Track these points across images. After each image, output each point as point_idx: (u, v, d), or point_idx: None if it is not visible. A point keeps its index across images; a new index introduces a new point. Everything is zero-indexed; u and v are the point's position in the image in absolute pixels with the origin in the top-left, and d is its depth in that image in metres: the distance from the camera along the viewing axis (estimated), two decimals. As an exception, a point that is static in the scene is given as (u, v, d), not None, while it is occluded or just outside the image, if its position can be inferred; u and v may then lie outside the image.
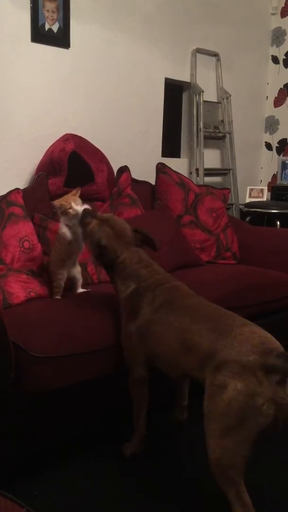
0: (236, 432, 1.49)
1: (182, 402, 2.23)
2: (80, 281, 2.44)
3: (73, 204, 2.21)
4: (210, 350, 1.60)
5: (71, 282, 2.40)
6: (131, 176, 3.22)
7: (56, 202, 2.25)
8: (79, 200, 2.25)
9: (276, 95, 4.74)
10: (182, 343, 1.72)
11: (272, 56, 4.74)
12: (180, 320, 1.77)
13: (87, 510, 1.75)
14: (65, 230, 2.25)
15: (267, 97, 4.81)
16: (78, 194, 2.30)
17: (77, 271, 2.41)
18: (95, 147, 3.13)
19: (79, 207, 2.21)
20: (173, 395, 2.24)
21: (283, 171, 4.56)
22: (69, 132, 3.09)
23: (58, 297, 2.32)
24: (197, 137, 4.14)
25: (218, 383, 1.53)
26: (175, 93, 4.15)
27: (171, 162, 3.60)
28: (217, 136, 4.36)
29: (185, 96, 4.22)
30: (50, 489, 1.84)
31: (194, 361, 1.67)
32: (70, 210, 2.20)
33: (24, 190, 2.64)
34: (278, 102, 4.74)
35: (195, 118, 4.13)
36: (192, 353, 1.67)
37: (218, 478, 1.55)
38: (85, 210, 2.13)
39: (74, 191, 2.31)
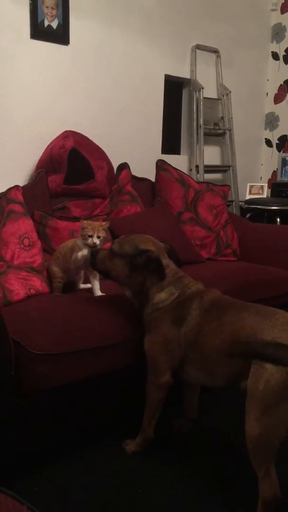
0: (276, 411, 1.54)
1: (191, 416, 2.22)
2: (81, 280, 2.44)
3: (95, 236, 2.19)
4: (253, 330, 1.66)
5: (71, 284, 2.40)
6: (131, 173, 3.22)
7: (85, 223, 2.22)
8: (104, 233, 2.24)
9: (276, 92, 4.73)
10: (232, 333, 1.74)
11: (272, 52, 4.73)
12: (228, 315, 1.81)
13: (87, 507, 1.75)
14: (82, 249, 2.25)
15: (267, 93, 4.80)
16: (107, 226, 2.28)
17: (79, 275, 2.42)
18: (95, 144, 3.12)
19: (98, 241, 2.20)
20: (176, 395, 2.24)
21: (283, 168, 4.56)
22: (68, 129, 3.08)
23: (58, 293, 2.33)
24: (197, 134, 4.13)
25: (260, 362, 1.57)
26: (175, 89, 4.14)
27: (171, 159, 3.60)
28: (217, 132, 4.36)
29: (185, 93, 4.21)
30: (50, 486, 1.84)
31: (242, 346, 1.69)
32: (89, 240, 2.19)
33: (24, 187, 2.63)
34: (278, 99, 4.73)
35: (195, 115, 4.12)
36: (240, 338, 1.70)
37: (252, 455, 1.61)
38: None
39: (105, 222, 2.29)
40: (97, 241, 2.19)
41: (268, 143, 4.86)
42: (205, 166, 4.14)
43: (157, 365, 1.96)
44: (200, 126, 4.11)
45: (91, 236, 2.18)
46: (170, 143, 4.19)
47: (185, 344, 1.89)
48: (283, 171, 4.56)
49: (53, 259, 2.38)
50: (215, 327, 1.81)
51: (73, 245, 2.29)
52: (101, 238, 2.21)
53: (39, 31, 3.02)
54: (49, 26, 3.06)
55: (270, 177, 4.85)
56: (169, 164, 3.43)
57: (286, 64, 4.64)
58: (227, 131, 4.38)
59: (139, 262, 1.93)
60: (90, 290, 2.35)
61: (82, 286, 2.44)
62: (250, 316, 1.73)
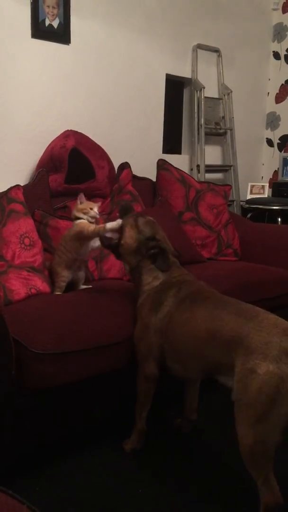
0: (269, 417, 1.49)
1: (190, 417, 2.22)
2: (82, 280, 2.44)
3: (95, 208, 2.33)
4: (236, 333, 1.61)
5: (73, 283, 2.40)
6: (132, 172, 3.21)
7: (84, 198, 2.37)
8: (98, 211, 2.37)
9: (278, 91, 4.73)
10: (206, 329, 1.72)
11: (273, 52, 4.72)
12: (203, 309, 1.79)
13: (88, 507, 1.75)
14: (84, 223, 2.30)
15: (268, 93, 4.80)
16: (99, 206, 2.40)
17: (81, 274, 2.42)
18: (95, 143, 3.12)
19: (97, 215, 2.34)
20: (173, 394, 2.24)
21: (285, 168, 4.55)
22: (69, 129, 3.08)
23: (60, 292, 2.33)
24: (198, 133, 4.13)
25: (250, 366, 1.52)
26: (176, 89, 4.14)
27: (172, 159, 3.59)
28: (218, 132, 4.35)
29: (186, 92, 4.21)
30: (50, 486, 1.84)
31: (219, 345, 1.66)
32: (92, 211, 2.31)
33: (25, 186, 2.63)
34: (279, 98, 4.73)
35: (196, 114, 4.12)
36: (216, 338, 1.67)
37: (249, 465, 1.56)
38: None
39: (99, 203, 2.43)
40: (97, 215, 2.34)
41: (269, 142, 4.86)
42: (206, 166, 4.14)
43: (139, 353, 1.97)
44: (201, 126, 4.11)
45: (92, 209, 2.31)
46: (171, 143, 4.19)
47: (159, 331, 1.89)
48: (284, 170, 4.55)
49: (55, 259, 2.37)
50: (186, 319, 1.81)
51: (76, 228, 2.30)
52: (98, 213, 2.34)
53: (40, 31, 3.01)
54: (50, 25, 3.06)
55: (271, 176, 4.85)
56: (170, 164, 3.43)
57: (287, 63, 4.64)
58: (228, 131, 4.38)
59: (150, 245, 2.03)
60: (90, 290, 2.35)
61: (83, 286, 2.44)
62: (229, 316, 1.68)
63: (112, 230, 2.11)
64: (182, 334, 1.82)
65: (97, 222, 2.33)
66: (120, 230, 2.09)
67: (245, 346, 1.57)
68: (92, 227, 2.24)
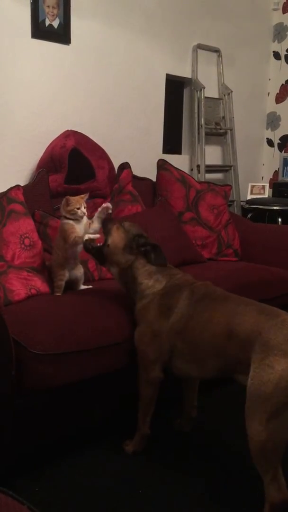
0: (283, 414, 1.50)
1: (191, 414, 2.21)
2: (82, 280, 2.44)
3: (82, 206, 2.26)
4: (257, 329, 1.62)
5: (73, 282, 2.40)
6: (132, 172, 3.21)
7: (70, 198, 2.29)
8: (85, 204, 2.31)
9: (278, 91, 4.73)
10: (227, 326, 1.72)
11: (273, 52, 4.72)
12: (225, 306, 1.80)
13: (88, 507, 1.75)
14: (71, 222, 2.27)
15: (268, 93, 4.80)
16: (86, 197, 2.35)
17: (79, 271, 2.41)
18: (95, 143, 3.12)
19: (85, 210, 2.28)
20: (174, 394, 2.23)
21: (285, 168, 4.55)
22: (69, 129, 3.08)
23: (59, 293, 2.32)
24: (198, 133, 4.13)
25: (268, 362, 1.53)
26: (176, 89, 4.14)
27: (172, 159, 3.59)
28: (219, 132, 4.35)
29: (186, 92, 4.21)
30: (51, 486, 1.84)
31: (238, 342, 1.67)
32: (79, 210, 2.25)
33: (25, 186, 2.63)
34: (279, 98, 4.73)
35: (196, 115, 4.12)
36: (237, 334, 1.68)
37: (258, 461, 1.57)
38: (108, 217, 2.23)
39: (83, 195, 2.34)
40: (85, 211, 2.27)
41: (270, 142, 4.86)
42: (206, 166, 4.14)
43: (146, 359, 1.95)
44: (201, 126, 4.11)
45: (79, 208, 2.24)
46: (171, 143, 4.19)
47: (173, 335, 1.88)
48: (285, 171, 4.55)
49: (52, 259, 2.37)
50: (207, 318, 1.80)
51: (62, 229, 2.28)
52: (86, 208, 2.29)
53: (40, 31, 3.01)
54: (50, 25, 3.06)
55: (271, 177, 4.85)
56: (170, 164, 3.43)
57: (287, 63, 4.64)
58: (229, 131, 4.38)
59: (140, 242, 2.02)
60: (90, 290, 2.35)
61: (83, 286, 2.43)
62: (251, 313, 1.70)
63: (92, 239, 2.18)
64: (202, 333, 1.81)
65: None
66: (105, 234, 2.11)
67: (264, 343, 1.58)
68: (73, 235, 2.23)
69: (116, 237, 2.06)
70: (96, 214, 2.24)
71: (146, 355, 1.94)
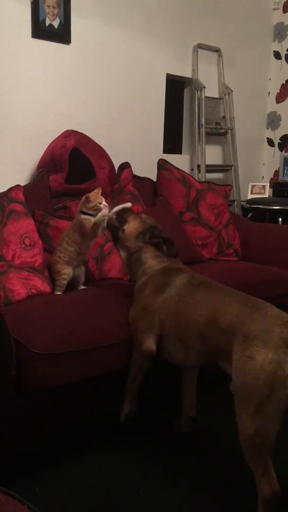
0: (268, 405, 1.50)
1: (190, 413, 2.22)
2: (82, 279, 2.44)
3: (103, 201, 2.31)
4: (239, 320, 1.64)
5: (73, 281, 2.40)
6: (132, 172, 3.21)
7: (91, 195, 2.31)
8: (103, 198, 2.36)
9: (278, 91, 4.73)
10: (212, 313, 1.75)
11: (274, 51, 4.72)
12: (212, 295, 1.84)
13: (88, 507, 1.75)
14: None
15: (269, 92, 4.79)
16: (100, 191, 2.37)
17: (81, 270, 2.42)
18: (96, 143, 3.12)
19: (106, 203, 2.33)
20: (174, 394, 2.23)
21: (285, 167, 4.55)
22: (70, 128, 3.08)
23: (59, 292, 2.32)
24: (199, 133, 4.12)
25: (249, 353, 1.54)
26: (176, 89, 4.13)
27: (172, 159, 3.59)
28: (219, 132, 4.35)
29: (186, 92, 4.21)
30: (51, 486, 1.84)
31: (220, 330, 1.69)
32: (101, 205, 2.29)
33: (25, 186, 2.62)
34: (280, 98, 4.72)
35: (196, 114, 4.12)
36: (218, 324, 1.71)
37: (248, 455, 1.57)
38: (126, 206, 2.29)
39: (97, 190, 2.36)
40: (107, 204, 2.32)
41: (270, 142, 4.85)
42: (207, 166, 4.14)
43: (138, 330, 1.99)
44: (201, 126, 4.10)
45: (100, 203, 2.29)
46: (172, 143, 4.18)
47: (164, 310, 1.93)
48: (285, 170, 4.55)
49: (56, 257, 2.36)
50: (196, 303, 1.85)
51: (79, 224, 2.30)
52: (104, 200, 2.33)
53: (40, 30, 3.01)
54: (51, 25, 3.06)
55: (272, 176, 4.84)
56: (171, 164, 3.43)
57: (288, 63, 4.64)
58: (229, 131, 4.37)
59: (154, 233, 2.16)
60: (90, 290, 2.35)
61: (82, 287, 2.43)
62: (235, 304, 1.72)
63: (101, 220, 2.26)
64: (189, 316, 1.85)
65: None
66: (120, 222, 2.20)
67: (245, 333, 1.59)
68: (89, 225, 2.27)
69: (132, 225, 2.18)
70: (114, 209, 2.27)
71: (139, 327, 1.99)
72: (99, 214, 2.26)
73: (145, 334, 1.97)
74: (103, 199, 2.31)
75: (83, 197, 2.32)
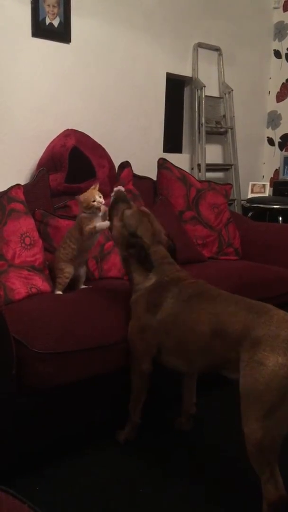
0: (279, 410, 1.49)
1: (189, 411, 2.22)
2: (83, 279, 2.44)
3: (97, 197, 2.26)
4: (246, 328, 1.61)
5: (74, 280, 2.40)
6: (132, 171, 3.21)
7: (81, 197, 2.30)
8: (100, 193, 2.30)
9: (279, 90, 4.72)
10: (215, 326, 1.71)
11: (274, 50, 4.71)
12: (213, 306, 1.78)
13: (88, 506, 1.75)
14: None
15: (269, 92, 4.79)
16: (97, 187, 2.33)
17: (83, 269, 2.43)
18: (96, 142, 3.12)
19: (102, 199, 2.27)
20: (174, 393, 2.23)
21: (286, 167, 4.54)
22: (70, 128, 3.08)
23: (60, 292, 2.32)
24: (199, 132, 4.12)
25: (258, 359, 1.52)
26: (176, 88, 4.13)
27: (172, 158, 3.59)
28: (219, 131, 4.35)
29: (186, 91, 4.20)
30: (51, 485, 1.84)
31: (228, 341, 1.66)
32: (95, 203, 2.25)
33: (25, 185, 2.62)
34: (280, 97, 4.72)
35: (196, 113, 4.11)
36: (226, 334, 1.67)
37: (255, 459, 1.56)
38: (119, 192, 2.15)
39: (93, 186, 2.33)
40: (101, 199, 2.26)
41: (270, 141, 4.85)
42: (207, 165, 4.13)
43: (136, 351, 1.98)
44: (201, 125, 4.10)
45: (94, 201, 2.24)
46: (172, 142, 4.18)
47: (160, 332, 1.89)
48: (285, 169, 4.55)
49: (59, 254, 2.36)
50: (195, 318, 1.80)
51: (79, 222, 2.30)
52: (101, 197, 2.27)
53: (40, 29, 3.01)
54: (51, 24, 3.05)
55: (272, 175, 4.84)
56: (171, 163, 3.43)
57: (288, 62, 4.64)
58: (229, 130, 4.37)
59: (131, 241, 2.01)
60: (90, 289, 2.35)
61: (83, 286, 2.43)
62: (241, 312, 1.69)
63: (102, 230, 2.22)
64: (189, 332, 1.81)
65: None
66: (109, 219, 2.12)
67: (252, 340, 1.57)
68: (88, 227, 2.25)
69: (115, 230, 2.09)
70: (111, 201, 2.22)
71: (135, 347, 1.97)
72: (101, 224, 2.21)
73: (142, 355, 1.96)
74: (97, 196, 2.25)
75: (76, 199, 2.33)
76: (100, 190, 2.29)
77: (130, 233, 2.02)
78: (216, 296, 1.84)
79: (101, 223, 2.21)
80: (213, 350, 1.73)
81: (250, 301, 1.76)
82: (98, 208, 2.26)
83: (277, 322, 1.58)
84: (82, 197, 2.28)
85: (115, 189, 2.19)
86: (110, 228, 2.14)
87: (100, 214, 2.27)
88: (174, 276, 1.98)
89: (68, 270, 2.33)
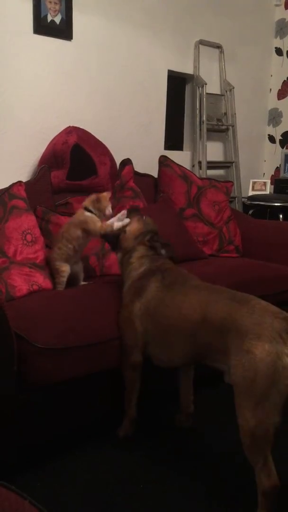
0: (269, 396, 1.51)
1: (188, 409, 2.23)
2: (82, 274, 2.45)
3: (109, 207, 2.34)
4: (230, 317, 1.65)
5: (73, 278, 2.41)
6: (133, 169, 3.21)
7: (96, 196, 2.36)
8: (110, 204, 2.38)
9: (280, 88, 4.72)
10: (200, 312, 1.75)
11: (275, 48, 4.70)
12: (195, 293, 1.84)
13: (89, 502, 1.76)
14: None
15: (270, 89, 4.78)
16: (109, 196, 2.41)
17: (79, 267, 2.44)
18: (97, 139, 3.12)
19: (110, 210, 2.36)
20: (174, 391, 2.24)
21: (286, 164, 4.54)
22: (71, 125, 3.08)
23: (61, 288, 2.33)
24: (200, 129, 4.12)
25: (246, 348, 1.55)
26: (178, 85, 4.13)
27: (173, 155, 3.59)
28: (220, 128, 4.35)
29: (188, 89, 4.20)
30: (52, 481, 1.85)
31: (211, 328, 1.70)
32: (107, 211, 2.33)
33: (27, 183, 2.63)
34: (281, 95, 4.71)
35: (198, 111, 4.11)
36: (209, 321, 1.71)
37: (249, 449, 1.58)
38: (134, 207, 2.37)
39: (106, 193, 2.40)
40: (111, 211, 2.35)
41: (271, 139, 4.85)
42: (208, 162, 4.13)
43: (124, 342, 2.00)
44: (203, 122, 4.10)
45: (106, 208, 2.34)
46: (173, 139, 4.18)
47: (144, 318, 1.93)
48: (286, 167, 4.54)
49: (54, 254, 2.37)
50: (178, 302, 1.84)
51: (84, 221, 2.32)
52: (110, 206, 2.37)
53: (42, 26, 3.01)
54: (52, 21, 3.05)
55: (273, 173, 4.84)
56: (172, 160, 3.43)
57: (289, 59, 4.63)
58: (230, 127, 4.37)
59: (155, 238, 2.19)
60: (91, 286, 2.35)
61: (83, 283, 2.44)
62: (224, 300, 1.73)
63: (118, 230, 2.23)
64: (172, 318, 1.85)
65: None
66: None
67: (237, 329, 1.60)
68: (99, 224, 2.27)
69: (135, 226, 2.19)
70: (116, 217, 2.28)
71: (124, 337, 2.00)
72: (118, 224, 2.22)
73: (131, 347, 1.99)
74: (110, 205, 2.35)
75: (94, 196, 2.35)
76: (100, 189, 2.33)
77: (152, 230, 2.21)
78: (198, 285, 1.91)
79: (119, 223, 2.23)
80: (197, 338, 1.77)
81: (232, 291, 1.80)
82: (108, 217, 2.31)
83: (260, 311, 1.62)
84: (103, 197, 2.34)
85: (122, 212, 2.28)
86: (124, 227, 2.22)
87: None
88: (161, 266, 2.07)
89: (64, 269, 2.34)
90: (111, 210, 2.34)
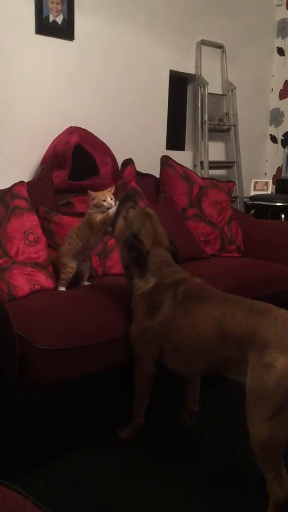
0: (285, 411, 1.49)
1: (192, 408, 2.23)
2: (87, 275, 2.45)
3: (108, 198, 2.28)
4: (250, 330, 1.61)
5: (78, 276, 2.41)
6: (135, 169, 3.21)
7: (93, 193, 2.33)
8: (113, 196, 2.33)
9: (281, 88, 4.72)
10: (216, 327, 1.71)
11: (277, 48, 4.71)
12: (211, 307, 1.78)
13: (92, 502, 1.76)
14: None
15: (272, 89, 4.79)
16: (113, 190, 2.37)
17: (86, 266, 2.43)
18: (99, 139, 3.12)
19: (112, 201, 2.29)
20: (180, 392, 2.24)
21: (288, 164, 4.54)
22: (73, 125, 3.08)
23: (63, 288, 2.33)
24: (202, 129, 4.12)
25: (266, 361, 1.52)
26: (179, 85, 4.13)
27: (175, 155, 3.59)
28: (222, 128, 4.35)
29: (189, 89, 4.20)
30: (55, 481, 1.85)
31: (231, 342, 1.66)
32: (104, 203, 2.27)
33: (29, 183, 2.63)
34: (283, 95, 4.71)
35: (199, 111, 4.11)
36: (229, 335, 1.67)
37: (261, 460, 1.56)
38: (130, 189, 2.14)
39: (109, 188, 2.37)
40: (112, 202, 2.28)
41: (273, 139, 4.85)
42: (210, 162, 4.13)
43: (138, 354, 1.98)
44: (204, 122, 4.10)
45: (104, 201, 2.27)
46: (175, 139, 4.18)
47: (160, 335, 1.89)
48: (288, 167, 4.55)
49: (63, 249, 2.37)
50: (192, 319, 1.80)
51: (88, 218, 2.31)
52: (113, 199, 2.29)
53: (44, 27, 3.01)
54: (54, 21, 3.05)
55: (274, 173, 4.84)
56: (174, 160, 3.43)
57: (291, 59, 4.63)
58: (232, 127, 4.37)
59: (131, 243, 1.99)
60: (93, 286, 2.35)
61: (86, 283, 2.44)
62: (241, 312, 1.68)
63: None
64: (188, 334, 1.81)
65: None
66: (115, 218, 2.12)
67: (259, 341, 1.57)
68: (99, 217, 2.26)
69: (118, 230, 2.08)
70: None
71: (138, 350, 1.98)
72: (113, 209, 2.19)
73: (145, 358, 1.97)
74: (109, 197, 2.28)
75: (88, 193, 2.34)
76: (102, 189, 2.31)
77: (131, 235, 2.00)
78: (213, 295, 1.85)
79: (113, 209, 2.20)
80: (214, 353, 1.73)
81: (248, 301, 1.76)
82: (108, 208, 2.26)
83: (282, 323, 1.59)
84: (94, 193, 2.31)
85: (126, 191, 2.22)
86: (112, 226, 2.14)
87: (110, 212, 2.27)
88: (173, 278, 1.98)
89: (71, 265, 2.34)
90: (110, 201, 2.27)
